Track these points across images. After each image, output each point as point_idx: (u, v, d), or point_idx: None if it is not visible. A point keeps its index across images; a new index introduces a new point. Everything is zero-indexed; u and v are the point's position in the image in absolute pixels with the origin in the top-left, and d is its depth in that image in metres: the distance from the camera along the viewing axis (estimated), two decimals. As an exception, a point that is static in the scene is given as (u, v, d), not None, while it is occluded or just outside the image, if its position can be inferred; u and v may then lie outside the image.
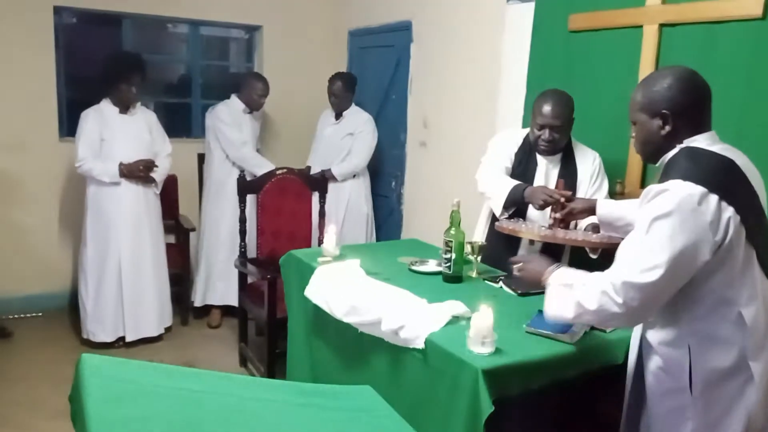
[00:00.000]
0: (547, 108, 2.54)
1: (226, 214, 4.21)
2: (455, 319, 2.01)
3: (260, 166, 4.11)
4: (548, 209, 2.47)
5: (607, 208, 2.24)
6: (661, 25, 2.67)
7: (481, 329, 1.77)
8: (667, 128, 1.73)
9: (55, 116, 4.30)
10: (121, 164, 3.71)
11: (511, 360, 1.76)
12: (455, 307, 2.04)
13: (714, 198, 1.60)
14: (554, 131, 2.55)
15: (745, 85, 2.41)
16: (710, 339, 1.66)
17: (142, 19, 4.61)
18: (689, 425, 1.69)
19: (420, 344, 1.91)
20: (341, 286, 2.31)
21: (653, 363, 1.76)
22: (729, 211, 1.61)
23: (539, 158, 2.68)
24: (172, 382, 0.98)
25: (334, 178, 4.27)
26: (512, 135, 2.78)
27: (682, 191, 1.59)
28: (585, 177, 2.63)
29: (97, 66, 4.13)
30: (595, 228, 2.37)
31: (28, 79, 4.15)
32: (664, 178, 1.69)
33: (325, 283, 2.40)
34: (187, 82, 5.02)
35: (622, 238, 1.76)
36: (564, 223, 2.37)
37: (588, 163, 2.63)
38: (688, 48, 2.58)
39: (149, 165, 3.82)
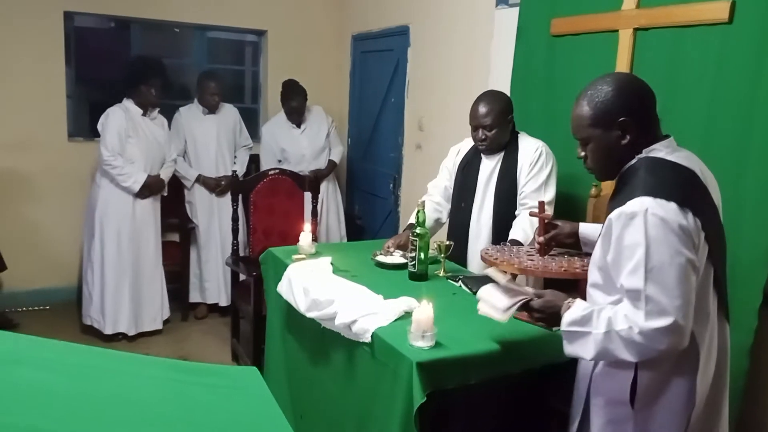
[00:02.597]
0: (476, 109, 2.69)
1: (204, 216, 4.43)
2: (407, 315, 2.06)
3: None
4: (521, 228, 2.58)
5: (591, 228, 2.12)
6: (636, 29, 2.69)
7: (421, 323, 1.82)
8: (628, 137, 1.63)
9: (64, 117, 4.48)
10: (148, 178, 3.90)
11: (448, 354, 1.81)
12: (407, 302, 2.09)
13: (689, 212, 1.53)
14: (485, 130, 2.67)
15: (713, 86, 2.41)
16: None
17: (149, 23, 4.76)
18: None
19: (367, 338, 1.97)
20: (306, 282, 2.37)
21: (598, 371, 1.74)
22: (699, 226, 1.55)
23: (483, 157, 2.80)
24: (35, 352, 1.05)
25: (331, 167, 4.57)
26: (457, 147, 2.97)
27: (659, 210, 1.51)
28: (524, 165, 2.68)
29: (106, 69, 4.30)
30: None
31: (38, 81, 4.33)
32: (623, 192, 1.61)
33: (294, 279, 2.47)
34: (194, 85, 5.15)
35: None
36: (549, 247, 2.23)
37: (530, 151, 2.70)
38: (660, 51, 2.60)
39: (161, 188, 4.08)
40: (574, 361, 1.92)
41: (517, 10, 3.33)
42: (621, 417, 1.67)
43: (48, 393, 0.94)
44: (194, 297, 4.49)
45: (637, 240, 1.51)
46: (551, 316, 1.72)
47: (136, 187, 3.87)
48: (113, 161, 3.82)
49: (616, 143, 1.65)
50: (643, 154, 1.65)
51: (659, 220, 1.49)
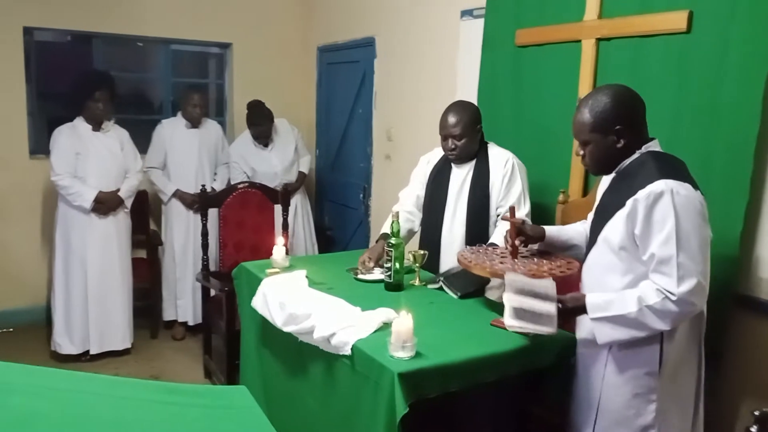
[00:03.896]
0: (445, 119, 2.73)
1: (181, 232, 4.37)
2: (386, 326, 2.07)
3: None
4: (502, 235, 2.59)
5: (555, 230, 2.29)
6: (598, 40, 2.76)
7: (401, 334, 1.84)
8: (623, 141, 1.86)
9: (25, 134, 4.37)
10: (99, 194, 3.78)
11: (428, 363, 1.83)
12: (386, 314, 2.10)
13: (699, 192, 1.78)
14: (455, 139, 2.71)
15: (675, 94, 2.48)
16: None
17: (112, 37, 4.70)
18: (653, 406, 1.82)
19: (347, 351, 1.97)
20: (282, 296, 2.37)
21: (618, 351, 1.86)
22: (706, 205, 1.79)
23: (453, 167, 2.83)
24: (28, 379, 1.03)
25: (302, 179, 4.58)
26: (427, 157, 3.00)
27: (682, 189, 1.72)
28: (497, 179, 2.73)
29: (68, 84, 4.22)
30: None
31: (-2, 98, 4.23)
32: (635, 181, 1.80)
33: (269, 293, 2.46)
34: (159, 99, 5.11)
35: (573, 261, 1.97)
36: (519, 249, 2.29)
37: (500, 163, 2.74)
38: (623, 61, 2.67)
39: (120, 203, 3.94)
40: (552, 366, 1.97)
41: (482, 21, 3.38)
42: (647, 388, 1.83)
43: (40, 421, 0.92)
44: (170, 315, 4.42)
45: (666, 214, 1.71)
46: (575, 313, 1.88)
47: (87, 205, 3.78)
48: (60, 181, 3.77)
49: (612, 146, 1.88)
50: (643, 150, 1.87)
51: (684, 198, 1.72)
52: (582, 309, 1.85)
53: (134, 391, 1.09)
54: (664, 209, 1.71)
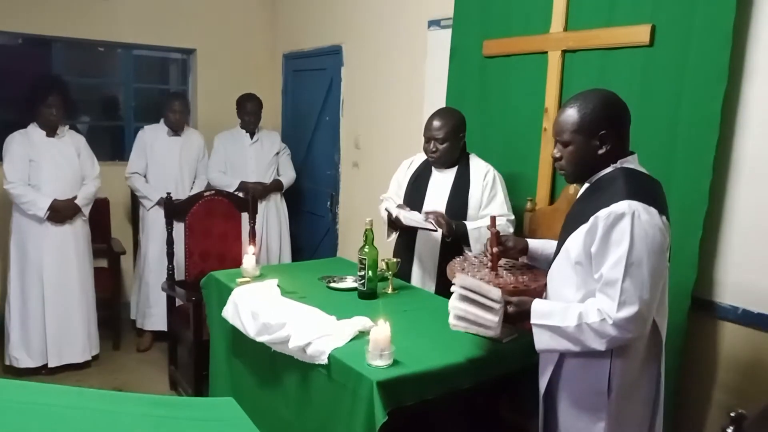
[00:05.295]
0: (430, 122, 2.80)
1: (157, 239, 4.25)
2: (362, 334, 2.07)
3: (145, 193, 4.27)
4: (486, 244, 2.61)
5: (539, 243, 2.26)
6: (564, 51, 2.83)
7: (379, 343, 1.84)
8: (605, 148, 1.79)
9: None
10: (54, 202, 3.68)
11: (406, 371, 1.84)
12: (361, 322, 2.10)
13: (664, 218, 1.73)
14: (437, 142, 2.78)
15: (638, 107, 2.54)
16: (629, 345, 1.75)
17: (70, 42, 4.59)
18: (601, 424, 1.80)
19: (324, 360, 1.97)
20: (254, 306, 2.35)
21: (571, 362, 1.85)
22: (668, 228, 1.76)
23: (434, 171, 2.90)
24: (15, 396, 1.00)
25: (275, 185, 4.53)
26: (410, 160, 3.07)
27: (645, 214, 1.67)
28: (476, 189, 2.79)
29: (22, 89, 4.10)
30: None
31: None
32: (602, 196, 1.75)
33: (241, 303, 2.44)
34: (120, 105, 5.01)
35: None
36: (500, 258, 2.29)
37: (480, 177, 2.81)
38: (588, 72, 2.74)
39: (77, 210, 3.83)
40: (525, 371, 2.00)
41: (449, 31, 3.43)
42: (596, 406, 1.80)
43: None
44: (145, 324, 4.34)
45: (623, 237, 1.67)
46: (521, 317, 1.83)
47: (41, 214, 3.68)
48: (13, 190, 3.67)
49: (593, 152, 1.81)
50: (618, 165, 1.82)
51: (644, 223, 1.67)
52: (527, 313, 1.81)
53: (117, 405, 1.06)
54: (622, 232, 1.67)
